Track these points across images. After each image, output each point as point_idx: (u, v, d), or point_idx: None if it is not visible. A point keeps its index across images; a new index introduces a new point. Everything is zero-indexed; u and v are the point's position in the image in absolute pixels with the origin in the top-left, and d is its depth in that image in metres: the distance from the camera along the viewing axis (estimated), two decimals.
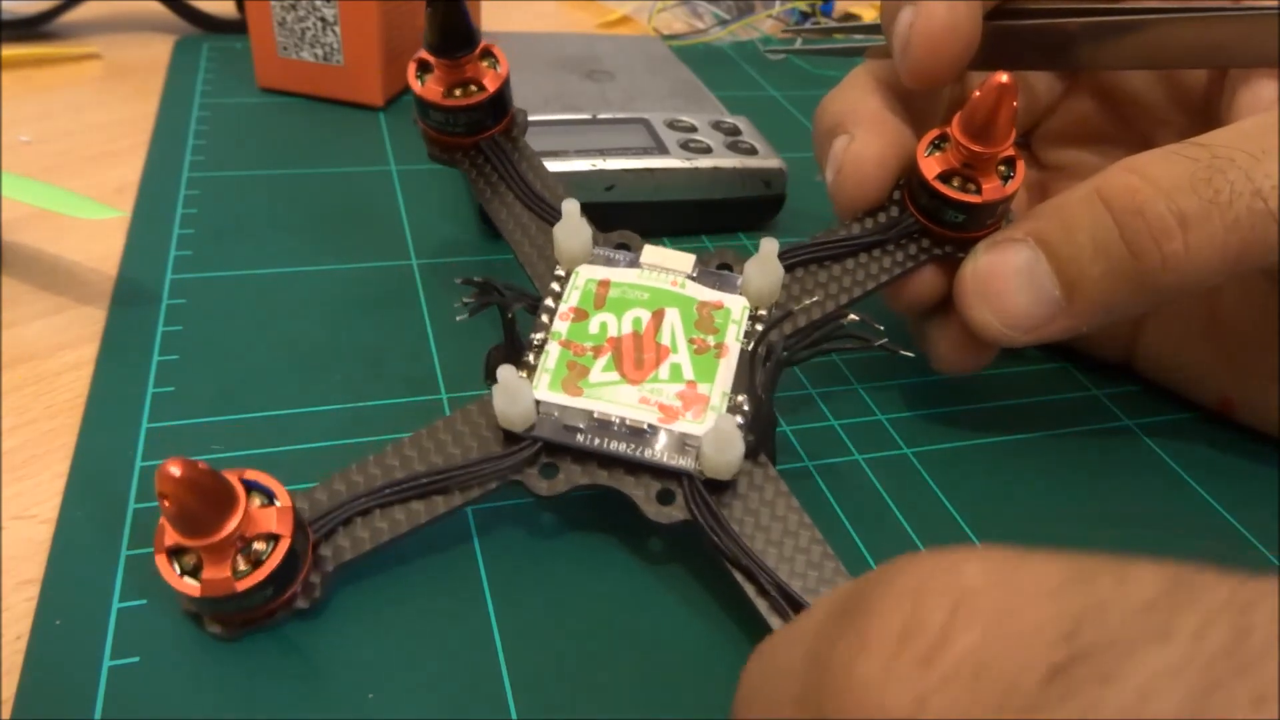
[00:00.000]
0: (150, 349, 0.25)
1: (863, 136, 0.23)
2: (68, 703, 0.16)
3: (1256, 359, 0.24)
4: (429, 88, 0.23)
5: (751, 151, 0.32)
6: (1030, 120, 0.27)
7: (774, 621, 0.18)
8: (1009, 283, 0.21)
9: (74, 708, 0.16)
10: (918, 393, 0.26)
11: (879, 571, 0.12)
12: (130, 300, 0.27)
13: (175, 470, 0.15)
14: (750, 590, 0.18)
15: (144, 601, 0.18)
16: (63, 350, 0.25)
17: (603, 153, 0.31)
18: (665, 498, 0.19)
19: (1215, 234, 0.18)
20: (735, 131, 0.33)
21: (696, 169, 0.31)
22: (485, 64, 0.24)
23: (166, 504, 0.15)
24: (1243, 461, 0.24)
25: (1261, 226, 0.18)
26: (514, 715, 0.17)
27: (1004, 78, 0.20)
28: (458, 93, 0.23)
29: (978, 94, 0.21)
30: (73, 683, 0.17)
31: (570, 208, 0.22)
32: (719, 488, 0.19)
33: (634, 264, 0.22)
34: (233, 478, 0.17)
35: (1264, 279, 0.23)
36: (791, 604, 0.18)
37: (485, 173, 0.25)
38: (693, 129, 0.33)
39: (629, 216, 0.29)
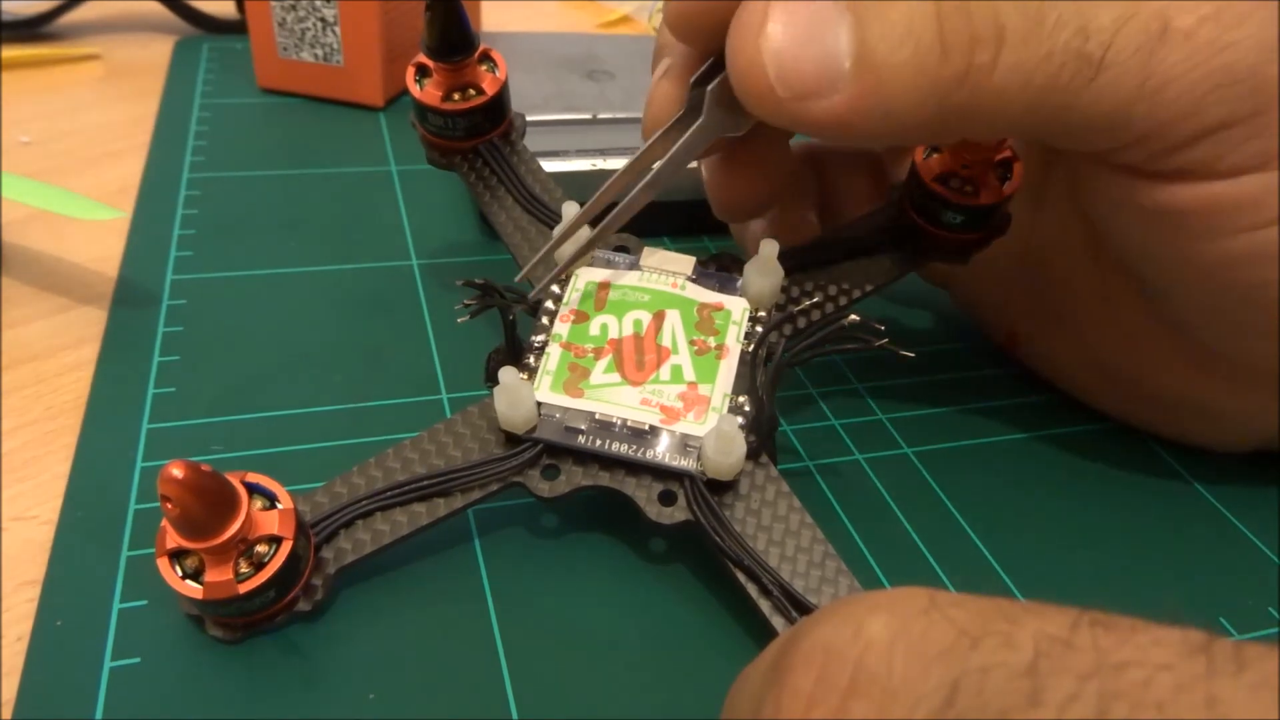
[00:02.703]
0: (151, 350, 0.25)
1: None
2: (68, 704, 0.16)
3: (1046, 298, 0.25)
4: (427, 92, 0.23)
5: None
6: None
7: (777, 622, 0.18)
8: (799, 29, 0.17)
9: (75, 709, 0.16)
10: (918, 393, 0.26)
11: (798, 628, 0.12)
12: (130, 301, 0.27)
13: (177, 473, 0.15)
14: (753, 590, 0.18)
15: (145, 602, 0.18)
16: (63, 351, 0.25)
17: (603, 153, 0.31)
18: (667, 499, 0.19)
19: (1026, 61, 0.17)
20: None
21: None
22: (484, 68, 0.24)
23: (169, 507, 0.15)
24: (1242, 460, 0.24)
25: (1070, 71, 0.17)
26: (514, 716, 0.17)
27: None
28: (456, 97, 0.23)
29: None
30: (73, 684, 0.17)
31: (570, 210, 0.22)
32: (721, 488, 0.19)
33: (634, 266, 0.22)
34: (235, 480, 0.17)
35: (1076, 235, 0.23)
36: (794, 604, 0.18)
37: (484, 176, 0.25)
38: None
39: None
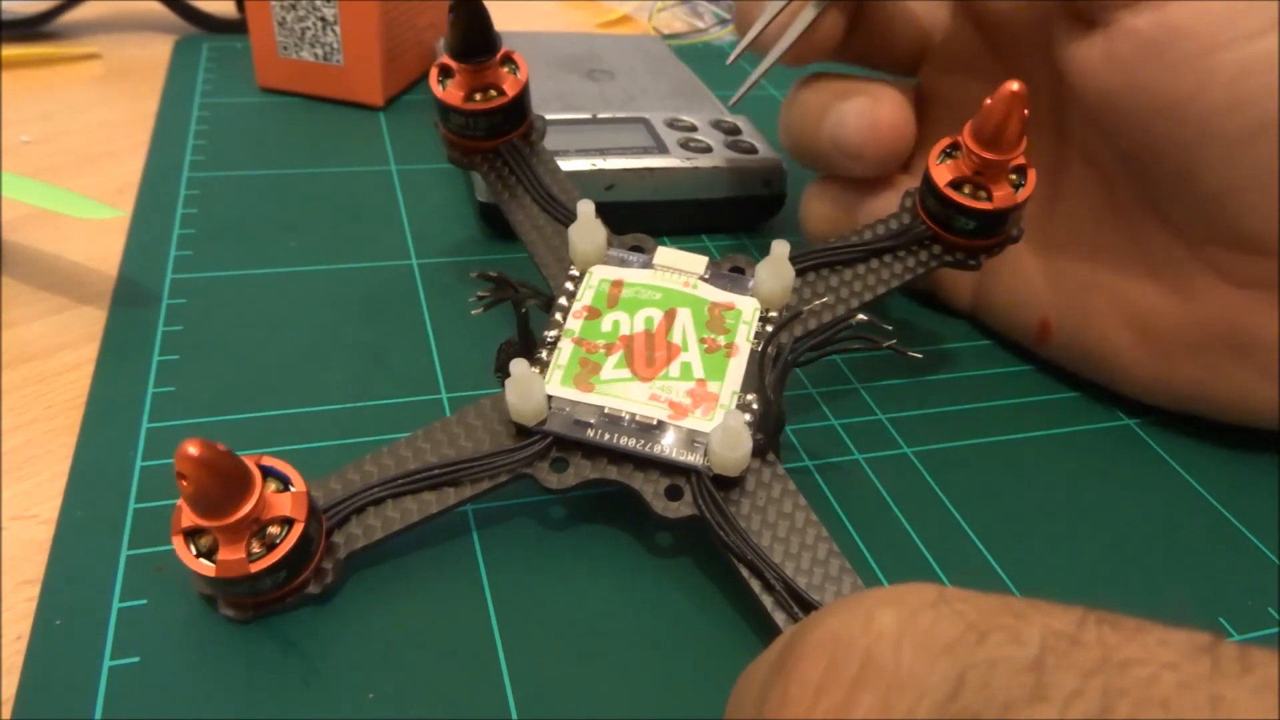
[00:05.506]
0: (150, 349, 0.25)
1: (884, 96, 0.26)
2: (68, 703, 0.16)
3: (1075, 269, 0.25)
4: (450, 92, 0.24)
5: (751, 151, 0.32)
6: (919, 51, 0.28)
7: (779, 618, 0.18)
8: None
9: (74, 708, 0.16)
10: (918, 393, 0.26)
11: (807, 620, 0.12)
12: (130, 300, 0.26)
13: (193, 450, 0.15)
14: (756, 586, 0.18)
15: (144, 601, 0.18)
16: (63, 350, 0.25)
17: (603, 152, 0.31)
18: (673, 493, 0.19)
19: None
20: (735, 131, 0.33)
21: (696, 168, 0.31)
22: (506, 69, 0.24)
23: (184, 484, 0.15)
24: (1242, 459, 0.25)
25: None
26: (514, 715, 0.17)
27: (1014, 86, 0.20)
28: (478, 97, 0.24)
29: (989, 102, 0.21)
30: (73, 683, 0.17)
31: (585, 209, 0.22)
32: (727, 484, 0.19)
33: (647, 265, 0.23)
34: (249, 462, 0.17)
35: (1096, 194, 0.24)
36: (797, 600, 0.18)
37: (503, 175, 0.25)
38: (693, 128, 0.33)
39: (629, 216, 0.29)
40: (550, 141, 0.31)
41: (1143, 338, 0.24)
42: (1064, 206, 0.25)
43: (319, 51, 0.38)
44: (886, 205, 0.27)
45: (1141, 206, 0.23)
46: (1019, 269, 0.27)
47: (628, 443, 0.19)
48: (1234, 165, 0.21)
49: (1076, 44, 0.22)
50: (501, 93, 0.24)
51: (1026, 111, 0.21)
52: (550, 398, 0.20)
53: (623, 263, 0.23)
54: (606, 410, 0.20)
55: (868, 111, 0.26)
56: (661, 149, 0.31)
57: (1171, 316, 0.23)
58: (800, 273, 0.23)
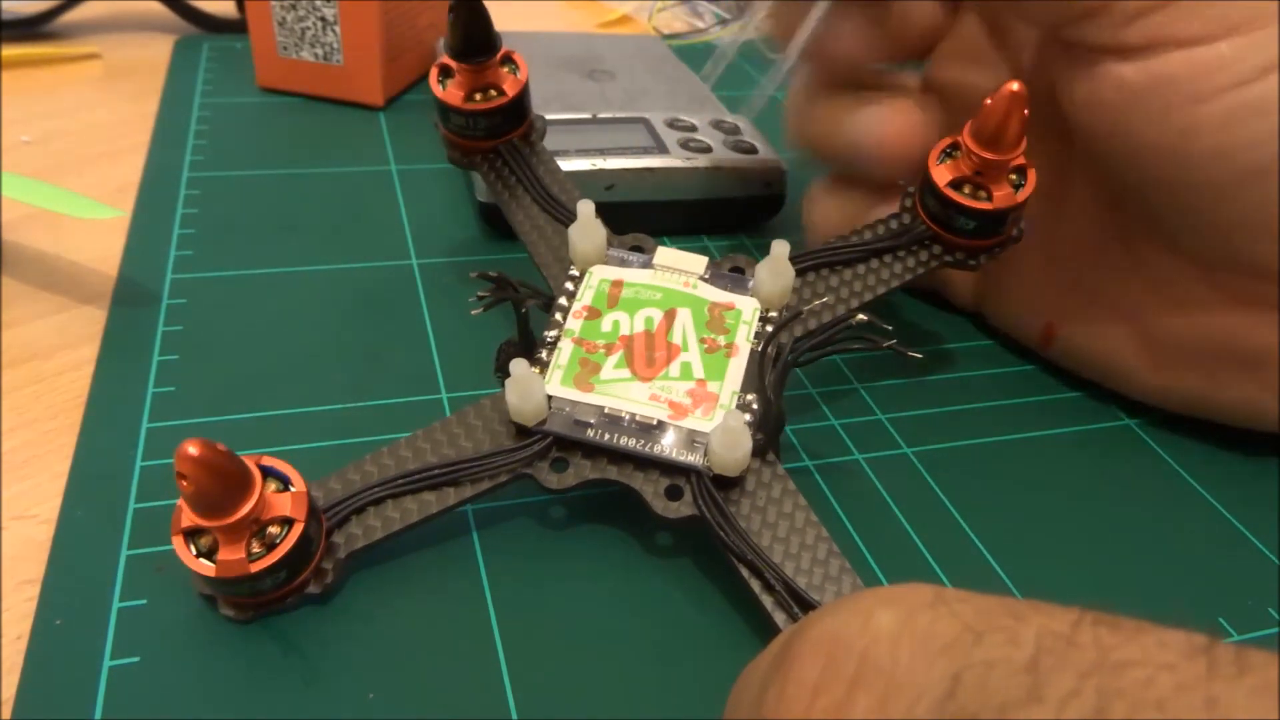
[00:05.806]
0: (150, 349, 0.25)
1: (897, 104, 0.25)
2: (68, 703, 0.16)
3: (1079, 278, 0.25)
4: (450, 92, 0.24)
5: (751, 151, 0.32)
6: (928, 43, 0.28)
7: (779, 618, 0.18)
8: None
9: (74, 708, 0.16)
10: (918, 393, 0.26)
11: (806, 619, 0.12)
12: (130, 300, 0.26)
13: (193, 450, 0.15)
14: (756, 586, 0.18)
15: (144, 601, 0.18)
16: (63, 350, 0.25)
17: (603, 152, 0.31)
18: (673, 493, 0.19)
19: None
20: (735, 131, 0.33)
21: (696, 168, 0.31)
22: (506, 69, 0.24)
23: (184, 484, 0.15)
24: (1242, 460, 0.25)
25: None
26: (514, 715, 0.17)
27: (1015, 86, 0.20)
28: (478, 97, 0.24)
29: (989, 103, 0.21)
30: (73, 683, 0.17)
31: (585, 209, 0.22)
32: (727, 484, 0.19)
33: (647, 265, 0.23)
34: (249, 462, 0.17)
35: (1101, 205, 0.24)
36: (797, 600, 0.18)
37: (503, 175, 0.25)
38: (693, 128, 0.33)
39: (629, 216, 0.29)
40: (550, 141, 0.31)
41: (1147, 347, 0.24)
42: (1068, 212, 0.25)
43: (319, 51, 0.38)
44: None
45: (1144, 224, 0.23)
46: (1023, 274, 0.26)
47: (628, 443, 0.19)
48: (1229, 207, 0.21)
49: (1065, 75, 0.22)
50: (501, 93, 0.24)
51: (1026, 111, 0.21)
52: (550, 398, 0.20)
53: (623, 263, 0.23)
54: (606, 410, 0.20)
55: (887, 122, 0.25)
56: (661, 149, 0.31)
57: (1175, 329, 0.24)
58: (800, 273, 0.23)
